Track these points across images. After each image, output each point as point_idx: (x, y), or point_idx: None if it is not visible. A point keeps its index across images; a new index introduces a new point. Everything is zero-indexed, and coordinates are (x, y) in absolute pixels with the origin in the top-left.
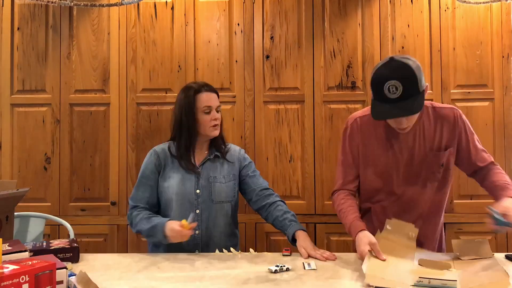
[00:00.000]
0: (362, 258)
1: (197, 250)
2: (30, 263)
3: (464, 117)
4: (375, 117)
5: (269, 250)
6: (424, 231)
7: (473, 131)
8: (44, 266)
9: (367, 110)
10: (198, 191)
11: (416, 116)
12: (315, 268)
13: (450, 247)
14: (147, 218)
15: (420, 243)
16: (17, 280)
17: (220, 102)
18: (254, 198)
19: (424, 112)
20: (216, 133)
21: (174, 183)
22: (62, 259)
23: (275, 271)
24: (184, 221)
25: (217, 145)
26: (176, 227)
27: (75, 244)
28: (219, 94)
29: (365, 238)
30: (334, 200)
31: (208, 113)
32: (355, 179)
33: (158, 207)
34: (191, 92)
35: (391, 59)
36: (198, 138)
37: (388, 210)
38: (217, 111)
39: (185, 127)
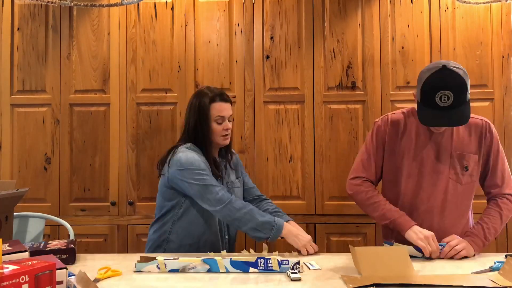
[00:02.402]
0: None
1: (225, 250)
2: (30, 263)
3: (494, 130)
4: (424, 123)
5: (269, 250)
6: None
7: (502, 152)
8: (44, 266)
9: (398, 111)
10: None
11: None
12: (319, 268)
13: None
14: (257, 210)
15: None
16: (17, 280)
17: None
18: (244, 195)
19: None
20: (227, 142)
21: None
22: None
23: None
24: None
25: (225, 153)
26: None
27: (72, 245)
28: None
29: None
30: (360, 187)
31: (221, 123)
32: (377, 168)
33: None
34: (205, 100)
35: (444, 67)
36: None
37: (411, 204)
38: (229, 121)
39: (200, 133)
